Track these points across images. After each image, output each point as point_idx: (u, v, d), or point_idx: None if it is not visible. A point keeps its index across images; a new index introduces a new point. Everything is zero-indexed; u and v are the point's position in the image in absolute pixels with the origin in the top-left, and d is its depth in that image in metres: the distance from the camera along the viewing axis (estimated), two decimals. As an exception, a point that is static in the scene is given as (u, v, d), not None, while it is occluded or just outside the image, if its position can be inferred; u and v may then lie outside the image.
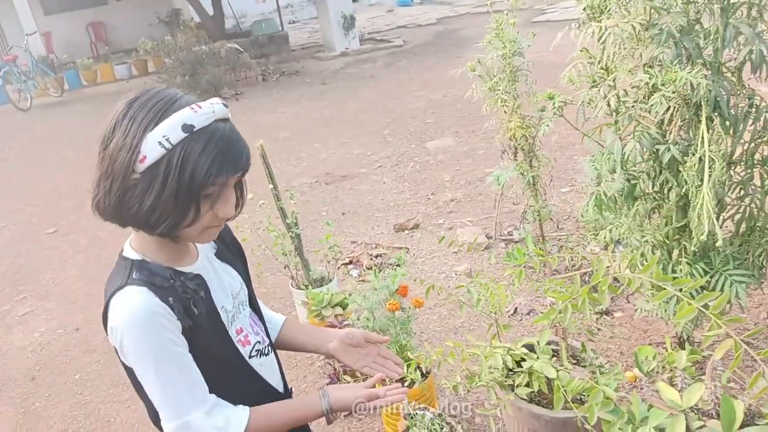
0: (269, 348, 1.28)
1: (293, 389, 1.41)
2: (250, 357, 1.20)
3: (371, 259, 3.58)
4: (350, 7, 12.95)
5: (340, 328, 2.56)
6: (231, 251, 1.27)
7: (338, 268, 3.57)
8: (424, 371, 2.25)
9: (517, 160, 3.08)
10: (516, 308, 2.99)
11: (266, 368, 1.25)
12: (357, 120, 7.43)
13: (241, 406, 1.13)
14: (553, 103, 2.16)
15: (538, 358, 1.87)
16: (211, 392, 1.10)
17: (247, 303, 1.26)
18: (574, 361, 2.07)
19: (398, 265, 2.35)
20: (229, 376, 1.15)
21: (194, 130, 0.97)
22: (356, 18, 13.18)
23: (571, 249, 3.39)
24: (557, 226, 3.49)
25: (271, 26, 13.47)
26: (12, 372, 3.28)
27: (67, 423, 2.77)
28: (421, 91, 8.37)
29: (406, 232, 4.06)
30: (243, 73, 10.66)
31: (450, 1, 18.64)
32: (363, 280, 3.49)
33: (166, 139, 0.96)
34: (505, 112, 2.95)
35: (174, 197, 0.98)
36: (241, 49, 10.84)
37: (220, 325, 1.14)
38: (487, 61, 2.98)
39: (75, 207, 5.76)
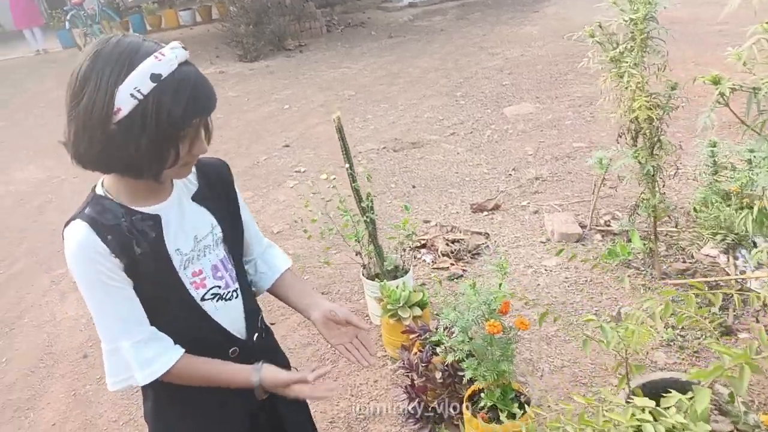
0: (234, 294, 1.27)
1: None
2: (203, 299, 1.22)
3: (447, 245, 3.21)
4: (419, -45, 12.19)
5: (420, 336, 2.23)
6: (214, 192, 1.28)
7: (409, 252, 3.21)
8: (522, 401, 1.90)
9: (637, 145, 2.59)
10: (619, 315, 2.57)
11: (223, 313, 1.25)
12: (427, 79, 6.94)
13: (177, 346, 1.18)
14: (719, 91, 1.68)
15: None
16: (160, 328, 1.16)
17: (221, 246, 1.26)
18: (717, 412, 1.67)
19: (495, 265, 1.96)
20: (178, 314, 1.20)
21: (162, 78, 1.02)
22: (426, -34, 12.41)
23: (683, 249, 2.92)
24: (675, 224, 2.99)
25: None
26: (64, 346, 3.13)
27: (118, 412, 2.58)
28: (496, 48, 7.76)
29: (485, 213, 3.65)
30: (307, 24, 10.23)
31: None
32: (437, 268, 3.13)
33: (138, 90, 1.01)
34: (627, 88, 2.45)
35: (154, 143, 1.04)
36: (307, -2, 10.37)
37: (167, 266, 1.16)
38: (611, 26, 2.46)
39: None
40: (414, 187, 4.20)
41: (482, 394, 1.90)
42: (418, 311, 2.39)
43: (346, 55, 8.85)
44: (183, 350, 1.18)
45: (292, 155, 5.19)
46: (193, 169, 1.24)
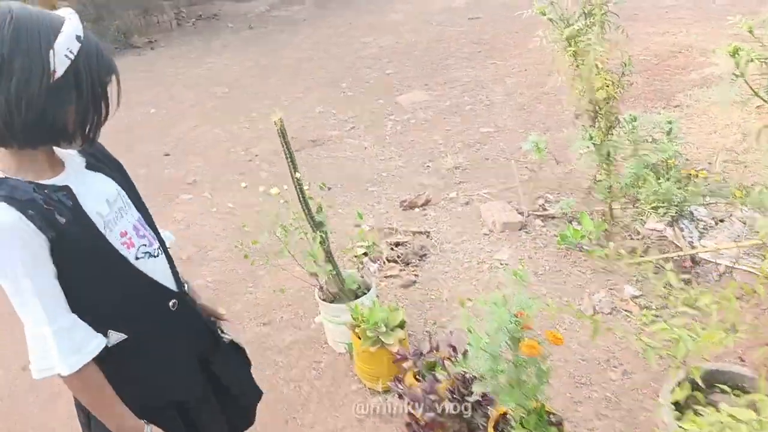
0: (159, 250, 1.29)
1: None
2: (137, 259, 1.22)
3: (392, 249, 2.96)
4: (268, -58, 11.63)
5: (413, 363, 1.96)
6: (103, 162, 1.28)
7: (370, 265, 2.91)
8: (554, 421, 1.72)
9: (595, 126, 2.51)
10: (594, 307, 2.50)
11: (155, 269, 1.26)
12: (302, 70, 6.58)
13: (99, 336, 1.16)
14: (736, 62, 1.58)
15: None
16: (100, 296, 1.17)
17: (132, 207, 1.28)
18: None
19: (512, 274, 1.75)
20: (116, 277, 1.19)
21: (82, 39, 1.06)
22: (274, -47, 11.88)
23: (626, 225, 2.94)
24: (632, 204, 2.96)
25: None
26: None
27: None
28: (366, 37, 7.57)
29: (417, 210, 3.45)
30: (155, 18, 9.32)
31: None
32: (387, 276, 2.87)
33: (70, 51, 1.04)
34: (580, 66, 2.35)
35: (92, 98, 1.09)
36: (150, -11, 9.42)
37: (94, 230, 1.15)
38: (563, 1, 2.34)
39: None
40: (329, 188, 3.87)
41: (513, 424, 1.69)
42: (401, 333, 2.12)
43: (206, 49, 8.16)
44: (101, 346, 1.16)
45: (176, 165, 4.61)
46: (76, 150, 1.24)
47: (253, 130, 5.03)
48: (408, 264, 2.92)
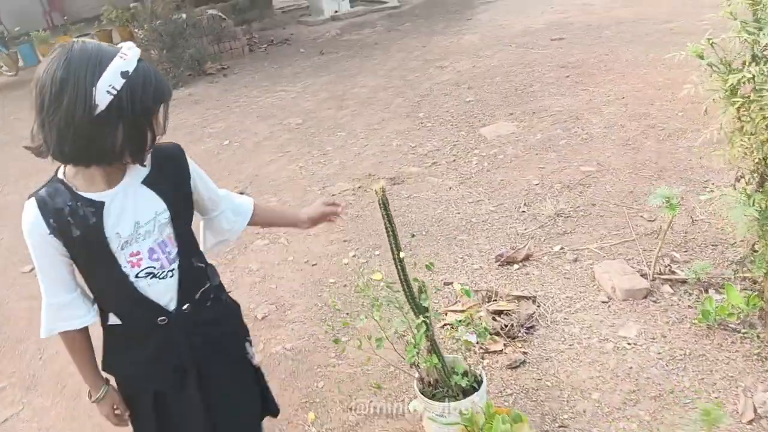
0: (170, 273, 1.42)
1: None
2: (137, 277, 1.38)
3: (494, 319, 2.56)
4: (338, -33, 11.59)
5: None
6: (166, 175, 1.40)
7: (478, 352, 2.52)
8: None
9: (763, 189, 2.04)
10: (756, 409, 2.01)
11: (155, 290, 1.41)
12: (378, 99, 6.30)
13: (84, 319, 1.43)
14: None
15: None
16: (101, 293, 1.43)
17: (164, 230, 1.40)
18: None
19: (703, 414, 1.33)
20: (110, 286, 1.40)
21: (129, 74, 1.21)
22: (345, -23, 11.79)
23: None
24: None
25: (251, -12, 11.99)
26: None
27: None
28: (443, 61, 7.23)
29: (516, 266, 3.04)
30: (227, 44, 9.33)
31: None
32: (488, 352, 2.47)
33: (112, 87, 1.19)
34: (747, 121, 1.90)
35: (133, 129, 1.24)
36: (224, 16, 9.46)
37: (102, 248, 1.33)
38: (729, 44, 1.90)
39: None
40: (413, 235, 3.53)
41: None
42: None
43: (278, 76, 8.05)
44: (79, 325, 1.43)
45: (249, 204, 4.37)
46: None
47: (329, 166, 4.75)
48: (514, 338, 2.51)
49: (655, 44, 6.23)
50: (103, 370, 1.53)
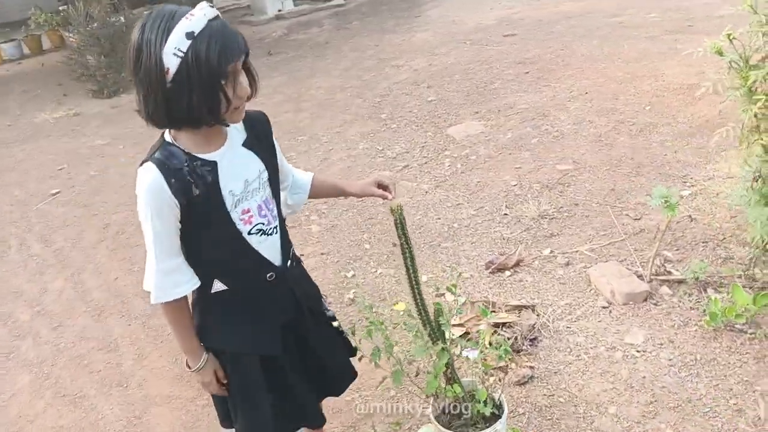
0: (274, 230, 1.49)
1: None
2: (249, 234, 1.43)
3: (495, 333, 2.44)
4: (282, -37, 11.28)
5: None
6: (259, 140, 1.47)
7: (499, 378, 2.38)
8: None
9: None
10: (779, 415, 1.96)
11: (265, 246, 1.46)
12: (336, 100, 6.11)
13: (190, 284, 1.42)
14: None
15: None
16: (212, 255, 1.43)
17: (266, 188, 1.47)
18: None
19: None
20: (227, 245, 1.42)
21: (195, 35, 1.20)
22: (288, -26, 11.48)
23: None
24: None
25: (190, -12, 11.48)
26: None
27: None
28: (398, 60, 7.10)
29: (508, 273, 2.93)
30: (170, 47, 8.88)
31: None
32: (493, 368, 2.34)
33: (178, 50, 1.19)
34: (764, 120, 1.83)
35: (203, 91, 1.22)
36: (164, 18, 9.00)
37: (220, 205, 1.37)
38: (747, 39, 1.83)
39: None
40: (394, 245, 3.37)
41: None
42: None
43: (227, 79, 7.72)
44: (189, 290, 1.43)
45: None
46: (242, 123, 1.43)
47: (294, 173, 4.53)
48: (518, 352, 2.40)
49: (608, 38, 6.30)
50: (202, 342, 1.50)
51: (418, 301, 1.70)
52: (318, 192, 1.73)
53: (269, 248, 1.47)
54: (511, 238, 3.21)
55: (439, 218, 3.56)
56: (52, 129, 6.80)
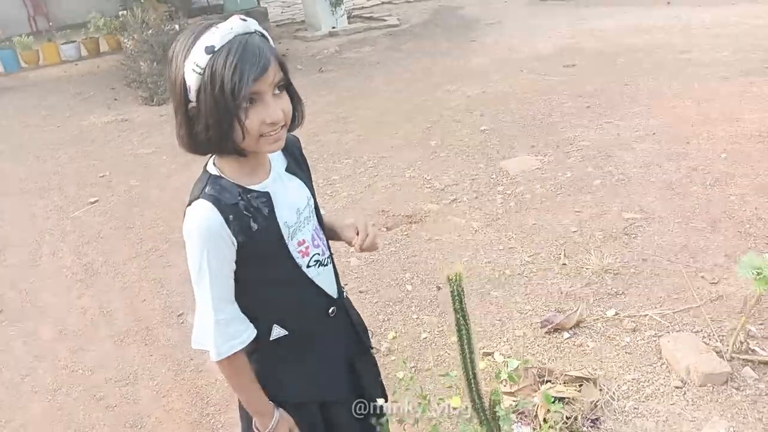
0: (328, 259, 1.37)
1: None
2: (308, 267, 1.31)
3: (552, 410, 2.14)
4: (337, -19, 11.27)
5: None
6: (299, 165, 1.35)
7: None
8: None
9: None
10: None
11: (323, 277, 1.35)
12: (385, 123, 5.91)
13: (250, 332, 1.26)
14: None
15: None
16: (271, 295, 1.29)
17: (314, 216, 1.34)
18: None
19: None
20: (287, 282, 1.30)
21: (215, 49, 1.06)
22: (342, -8, 11.45)
23: None
24: None
25: (247, 0, 11.60)
26: None
27: None
28: (450, 85, 6.88)
29: (566, 334, 2.63)
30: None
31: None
32: (547, 451, 2.05)
33: (197, 65, 1.07)
34: None
35: (217, 113, 1.07)
36: (219, 29, 9.03)
37: (279, 239, 1.25)
38: None
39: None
40: (439, 288, 3.11)
41: None
42: None
43: (275, 94, 7.63)
44: (248, 340, 1.26)
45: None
46: None
47: (337, 198, 4.33)
48: (577, 433, 2.09)
49: (676, 75, 5.95)
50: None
51: (474, 391, 1.43)
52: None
53: (326, 280, 1.37)
54: (570, 293, 2.90)
55: (489, 262, 3.28)
56: (99, 133, 6.79)
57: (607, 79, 6.18)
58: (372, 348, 1.58)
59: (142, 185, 5.10)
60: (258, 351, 1.33)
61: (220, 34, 1.07)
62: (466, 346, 1.40)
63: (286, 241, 1.26)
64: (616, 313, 2.70)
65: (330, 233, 1.47)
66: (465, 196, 4.10)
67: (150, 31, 7.90)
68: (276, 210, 1.23)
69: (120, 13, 10.49)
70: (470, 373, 1.42)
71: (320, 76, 8.24)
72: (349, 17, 11.85)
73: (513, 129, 5.21)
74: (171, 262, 3.74)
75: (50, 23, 13.18)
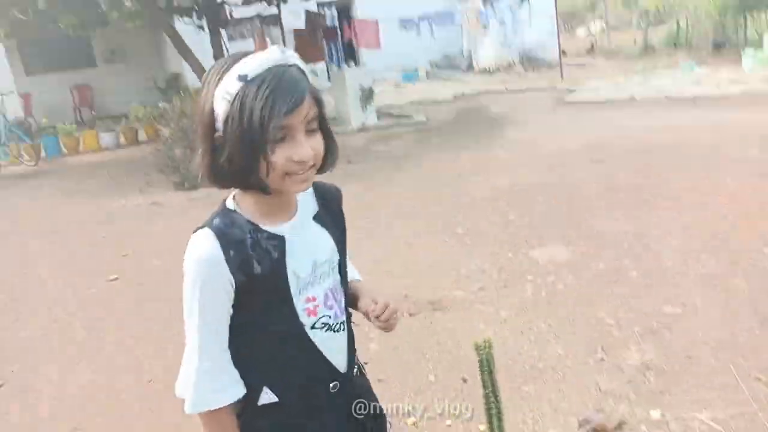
0: (342, 326, 1.22)
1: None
2: (313, 328, 1.17)
3: None
4: (369, 80, 11.76)
5: None
6: (332, 216, 1.24)
7: None
8: None
9: None
10: None
11: (329, 346, 1.19)
12: (410, 209, 5.87)
13: (237, 389, 1.13)
14: None
15: None
16: (264, 352, 1.14)
17: (335, 274, 1.21)
18: None
19: None
20: (286, 341, 1.15)
21: (248, 78, 1.01)
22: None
23: None
24: None
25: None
26: None
27: None
28: (477, 177, 6.88)
29: (607, 436, 2.36)
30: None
31: (459, 78, 17.74)
32: None
33: (227, 92, 1.02)
34: None
35: (242, 145, 1.02)
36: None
37: (283, 290, 1.13)
38: None
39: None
40: (465, 380, 2.88)
41: None
42: None
43: (303, 182, 7.72)
44: (235, 397, 1.12)
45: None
46: (311, 189, 1.20)
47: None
48: None
49: (707, 170, 5.86)
50: None
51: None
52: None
53: (334, 349, 1.20)
54: (609, 391, 2.65)
55: (520, 354, 3.05)
56: (127, 215, 6.87)
57: (636, 174, 6.11)
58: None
59: (165, 264, 5.04)
60: (242, 416, 1.18)
61: (255, 62, 1.02)
62: (496, 426, 1.21)
63: (292, 294, 1.14)
64: (662, 415, 2.44)
65: (353, 301, 1.33)
66: (492, 284, 3.93)
67: (186, 119, 8.18)
68: (287, 257, 1.12)
69: (160, 104, 11.02)
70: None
71: (348, 167, 8.33)
72: (378, 115, 12.23)
73: (541, 220, 5.10)
74: (184, 342, 3.58)
75: (93, 112, 13.87)
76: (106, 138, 11.58)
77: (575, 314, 3.36)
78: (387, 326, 1.26)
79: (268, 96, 1.00)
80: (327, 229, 1.22)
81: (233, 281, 1.08)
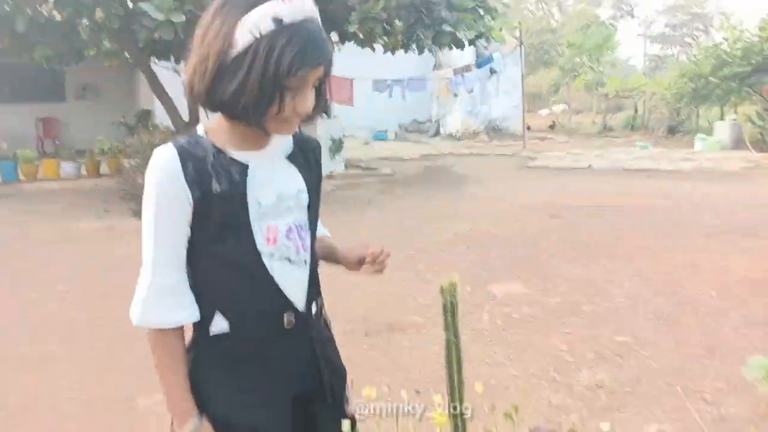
0: (303, 262, 1.18)
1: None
2: (271, 256, 1.14)
3: None
4: (340, 132, 12.01)
5: None
6: (307, 161, 1.24)
7: None
8: None
9: None
10: None
11: (287, 278, 1.15)
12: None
13: (189, 312, 1.11)
14: None
15: None
16: (218, 275, 1.12)
17: (303, 213, 1.20)
18: None
19: None
20: (241, 265, 1.13)
21: (282, 23, 1.02)
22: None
23: None
24: None
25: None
26: None
27: None
28: (439, 223, 6.99)
29: (558, 445, 2.35)
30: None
31: (426, 141, 18.23)
32: None
33: (256, 27, 1.02)
34: None
35: (258, 84, 1.03)
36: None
37: (241, 212, 1.12)
38: None
39: None
40: (418, 392, 2.84)
41: None
42: None
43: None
44: (188, 319, 1.12)
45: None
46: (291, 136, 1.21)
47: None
48: None
49: (662, 230, 6.12)
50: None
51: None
52: (322, 254, 1.35)
53: (292, 282, 1.16)
54: (561, 407, 2.66)
55: (475, 374, 3.04)
56: (83, 237, 6.70)
57: (592, 230, 6.32)
58: (348, 402, 1.30)
59: (114, 281, 4.89)
60: (194, 345, 1.16)
61: (292, 9, 1.03)
62: (455, 373, 1.22)
63: (251, 219, 1.12)
64: (611, 427, 2.45)
65: (328, 254, 1.35)
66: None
67: (152, 151, 8.15)
68: (249, 182, 1.12)
69: (127, 141, 10.94)
70: (457, 399, 1.22)
71: (312, 208, 8.38)
72: (346, 165, 12.40)
73: (500, 261, 5.18)
74: (133, 351, 3.45)
75: (58, 143, 13.66)
76: (67, 168, 11.34)
77: (529, 341, 3.40)
78: (381, 267, 1.32)
79: (300, 48, 1.03)
80: (299, 169, 1.21)
81: (190, 198, 1.07)
